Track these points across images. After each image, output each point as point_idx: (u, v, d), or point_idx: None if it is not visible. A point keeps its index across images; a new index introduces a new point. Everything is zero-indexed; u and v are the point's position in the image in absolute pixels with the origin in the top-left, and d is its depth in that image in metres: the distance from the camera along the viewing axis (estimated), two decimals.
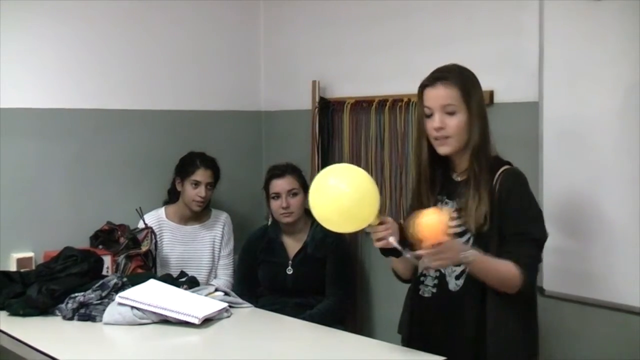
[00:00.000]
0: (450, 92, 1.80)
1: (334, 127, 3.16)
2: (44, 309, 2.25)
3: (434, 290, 1.90)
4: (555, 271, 2.40)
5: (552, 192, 2.41)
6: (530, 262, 1.79)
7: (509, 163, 1.88)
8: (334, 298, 2.84)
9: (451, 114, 1.80)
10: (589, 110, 2.31)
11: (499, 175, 1.81)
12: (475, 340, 1.82)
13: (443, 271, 1.88)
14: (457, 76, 1.83)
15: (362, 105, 3.03)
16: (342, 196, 1.73)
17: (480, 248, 1.77)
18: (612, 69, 2.24)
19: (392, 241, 1.73)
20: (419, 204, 1.91)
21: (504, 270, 1.76)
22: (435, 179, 1.92)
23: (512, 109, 2.53)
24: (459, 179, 1.90)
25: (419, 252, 1.69)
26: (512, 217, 1.78)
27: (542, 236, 1.84)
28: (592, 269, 2.32)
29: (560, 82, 2.38)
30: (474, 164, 1.81)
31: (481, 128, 1.82)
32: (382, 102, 2.94)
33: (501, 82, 2.55)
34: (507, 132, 2.50)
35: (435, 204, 1.91)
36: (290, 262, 2.88)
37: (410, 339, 1.98)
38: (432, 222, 1.68)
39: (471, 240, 1.81)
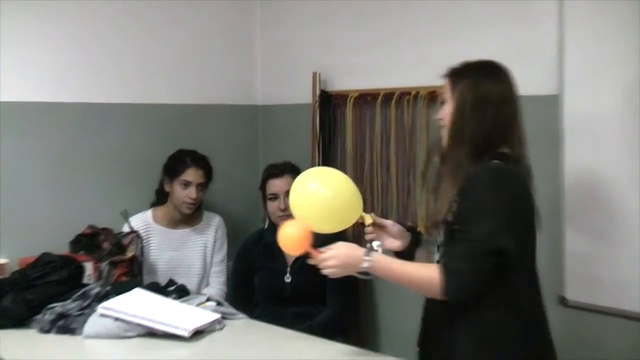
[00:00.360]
0: (445, 83, 1.88)
1: (336, 122, 3.12)
2: (19, 321, 2.22)
3: None
4: (578, 279, 2.36)
5: (574, 192, 2.37)
6: (456, 266, 1.70)
7: (505, 159, 1.77)
8: (335, 307, 2.78)
9: (442, 103, 1.88)
10: (614, 103, 2.26)
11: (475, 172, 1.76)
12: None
13: None
14: (455, 68, 1.88)
15: (366, 98, 2.98)
16: (322, 199, 1.86)
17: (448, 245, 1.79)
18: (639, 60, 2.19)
19: (374, 245, 1.85)
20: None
21: (417, 276, 1.76)
22: None
23: (529, 102, 2.46)
24: None
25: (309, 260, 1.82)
26: (460, 214, 1.73)
27: (484, 238, 1.68)
28: (618, 277, 2.26)
29: (583, 73, 2.33)
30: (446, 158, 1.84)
31: (460, 119, 1.80)
32: (388, 95, 2.89)
33: (517, 74, 2.47)
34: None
35: None
36: (288, 268, 2.82)
37: (419, 341, 1.95)
38: (286, 234, 1.83)
39: (441, 237, 1.82)
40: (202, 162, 2.93)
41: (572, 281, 2.33)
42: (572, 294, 2.34)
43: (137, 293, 2.29)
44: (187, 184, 2.88)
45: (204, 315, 2.22)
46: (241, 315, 2.37)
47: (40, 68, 2.81)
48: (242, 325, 2.31)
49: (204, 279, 2.99)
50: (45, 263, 2.36)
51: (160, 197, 2.99)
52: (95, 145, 2.97)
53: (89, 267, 2.54)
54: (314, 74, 3.13)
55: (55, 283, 2.30)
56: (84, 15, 2.91)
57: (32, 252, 2.50)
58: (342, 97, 3.06)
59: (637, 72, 2.18)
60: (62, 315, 2.18)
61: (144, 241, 2.80)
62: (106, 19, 2.98)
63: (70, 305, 2.20)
